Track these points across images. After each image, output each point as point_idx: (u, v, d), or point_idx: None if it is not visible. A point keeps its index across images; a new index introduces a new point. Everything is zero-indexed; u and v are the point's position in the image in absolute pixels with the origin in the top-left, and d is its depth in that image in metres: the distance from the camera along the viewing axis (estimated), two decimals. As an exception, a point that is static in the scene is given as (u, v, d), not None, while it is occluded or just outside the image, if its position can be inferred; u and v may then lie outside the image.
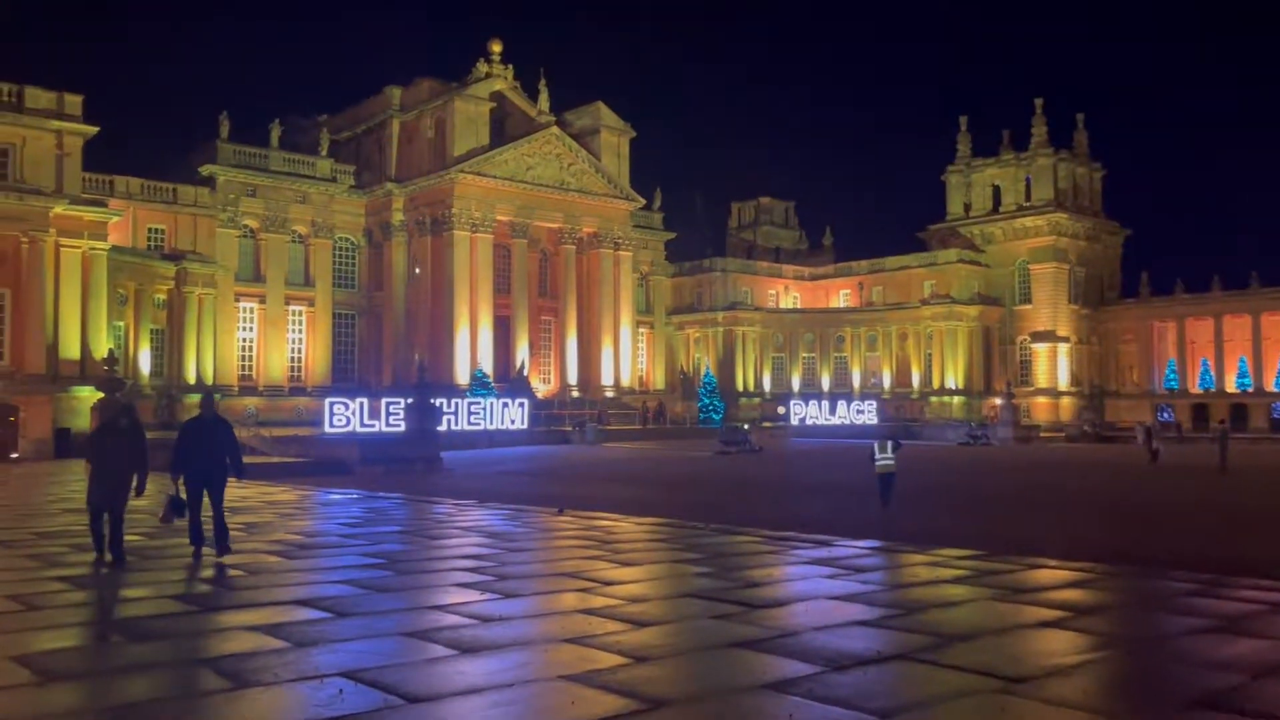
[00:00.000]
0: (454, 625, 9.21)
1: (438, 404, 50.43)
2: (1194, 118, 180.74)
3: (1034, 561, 13.33)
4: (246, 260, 69.36)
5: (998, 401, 77.04)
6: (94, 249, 49.29)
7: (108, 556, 12.93)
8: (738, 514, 20.35)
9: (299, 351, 71.95)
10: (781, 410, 77.26)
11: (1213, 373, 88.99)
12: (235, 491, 13.88)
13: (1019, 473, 37.37)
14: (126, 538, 13.43)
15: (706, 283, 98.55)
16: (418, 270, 73.25)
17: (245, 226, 69.16)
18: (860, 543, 15.19)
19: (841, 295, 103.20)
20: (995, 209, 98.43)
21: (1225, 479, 33.45)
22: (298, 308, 71.68)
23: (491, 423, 54.44)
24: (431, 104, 73.46)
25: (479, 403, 55.51)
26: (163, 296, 60.82)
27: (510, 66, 78.05)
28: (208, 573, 12.43)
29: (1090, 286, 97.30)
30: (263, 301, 69.76)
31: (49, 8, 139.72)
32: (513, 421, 55.68)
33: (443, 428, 49.54)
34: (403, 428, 46.28)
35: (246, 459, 14.22)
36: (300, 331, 71.97)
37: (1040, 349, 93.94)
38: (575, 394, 73.36)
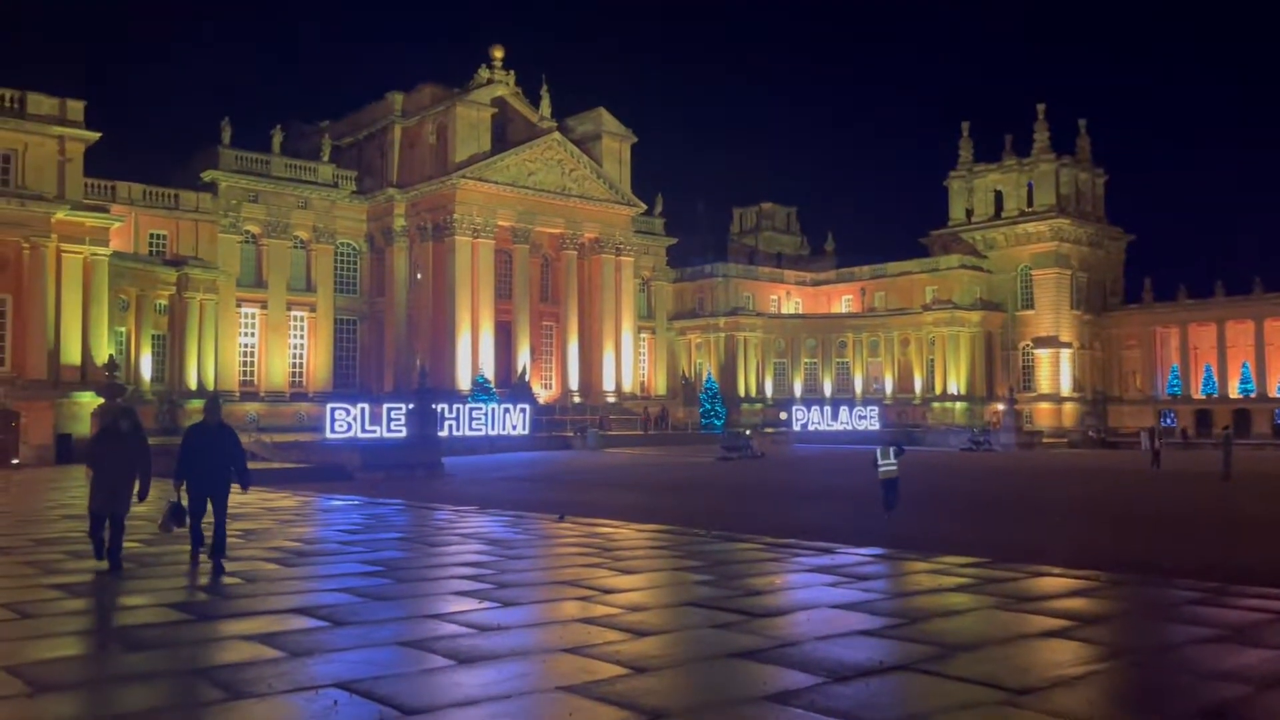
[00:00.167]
0: (452, 635, 9.13)
1: (439, 409, 50.39)
2: (1196, 123, 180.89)
3: (1037, 569, 13.25)
4: (248, 266, 69.36)
5: (1000, 407, 76.95)
6: (95, 255, 49.26)
7: (104, 563, 12.85)
8: (739, 521, 20.26)
9: (300, 357, 71.94)
10: (783, 416, 77.16)
11: (1216, 378, 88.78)
12: (235, 498, 13.74)
13: (1021, 479, 37.27)
14: (125, 545, 13.35)
15: (708, 288, 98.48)
16: (419, 276, 73.25)
17: (247, 232, 69.17)
18: (862, 550, 15.11)
19: (843, 301, 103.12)
20: (997, 214, 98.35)
21: (1229, 485, 33.32)
22: (299, 313, 71.69)
23: (493, 428, 54.37)
24: (433, 110, 73.50)
25: (480, 408, 55.45)
26: (164, 302, 60.79)
27: (512, 72, 78.09)
28: (205, 581, 12.35)
29: (1093, 292, 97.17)
30: (264, 307, 69.76)
31: (51, 14, 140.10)
32: (514, 427, 55.62)
33: (444, 433, 49.49)
34: (404, 433, 46.24)
35: (247, 464, 13.99)
36: (302, 337, 71.97)
37: (1043, 354, 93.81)
38: (577, 399, 73.29)
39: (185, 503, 13.19)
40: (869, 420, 73.91)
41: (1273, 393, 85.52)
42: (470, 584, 11.97)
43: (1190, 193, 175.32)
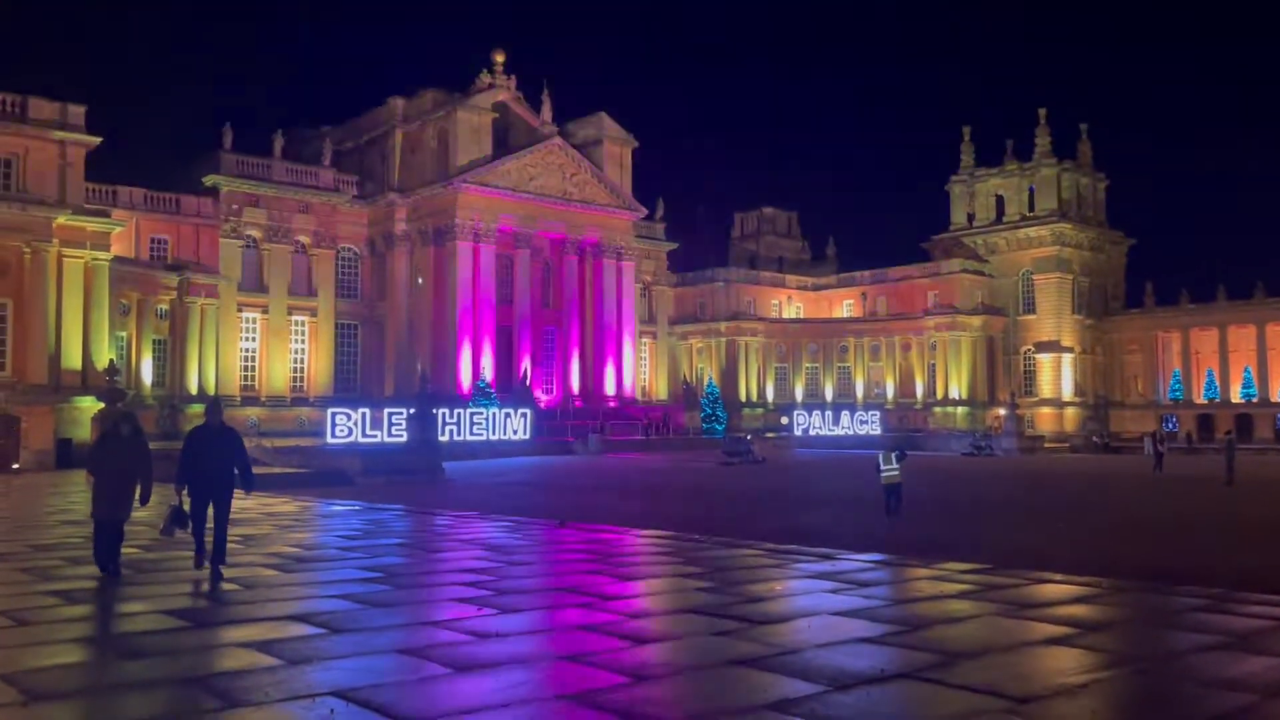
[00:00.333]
0: (450, 642, 9.08)
1: (440, 414, 50.34)
2: (1198, 127, 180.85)
3: (1039, 575, 13.18)
4: (249, 270, 69.34)
5: (1002, 412, 76.82)
6: (96, 259, 49.29)
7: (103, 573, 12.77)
8: (740, 526, 20.19)
9: (301, 362, 71.91)
10: (785, 420, 77.11)
11: (1218, 383, 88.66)
12: (236, 503, 13.61)
13: (1023, 484, 37.17)
14: (124, 550, 13.29)
15: (709, 293, 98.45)
16: (420, 280, 73.25)
17: (248, 236, 69.18)
18: (864, 556, 15.04)
19: (845, 305, 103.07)
20: (999, 219, 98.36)
21: (1232, 490, 33.23)
22: (300, 318, 71.66)
23: (494, 433, 54.34)
24: (434, 114, 73.54)
25: (481, 413, 55.42)
26: (165, 306, 60.81)
27: (513, 77, 78.16)
28: (203, 587, 12.29)
29: (1094, 296, 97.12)
30: (265, 311, 69.75)
31: (52, 18, 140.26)
32: (515, 432, 55.58)
33: (445, 438, 49.47)
34: (405, 438, 46.20)
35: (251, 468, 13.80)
36: (303, 341, 71.94)
37: (1044, 359, 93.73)
38: (578, 404, 73.25)
39: (187, 507, 13.08)
40: (870, 425, 73.86)
41: (1275, 397, 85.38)
42: (470, 590, 11.92)
43: (1192, 197, 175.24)
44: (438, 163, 72.60)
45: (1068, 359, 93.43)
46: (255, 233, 69.51)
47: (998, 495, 31.92)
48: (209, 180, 67.74)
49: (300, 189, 71.46)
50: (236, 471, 13.20)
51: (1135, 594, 12.19)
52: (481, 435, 53.44)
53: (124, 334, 55.93)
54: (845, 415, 75.33)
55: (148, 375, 58.10)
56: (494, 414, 55.60)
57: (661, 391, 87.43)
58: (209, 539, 12.97)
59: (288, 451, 45.42)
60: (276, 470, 39.14)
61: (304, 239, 71.84)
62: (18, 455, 44.37)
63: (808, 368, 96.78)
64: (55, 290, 47.33)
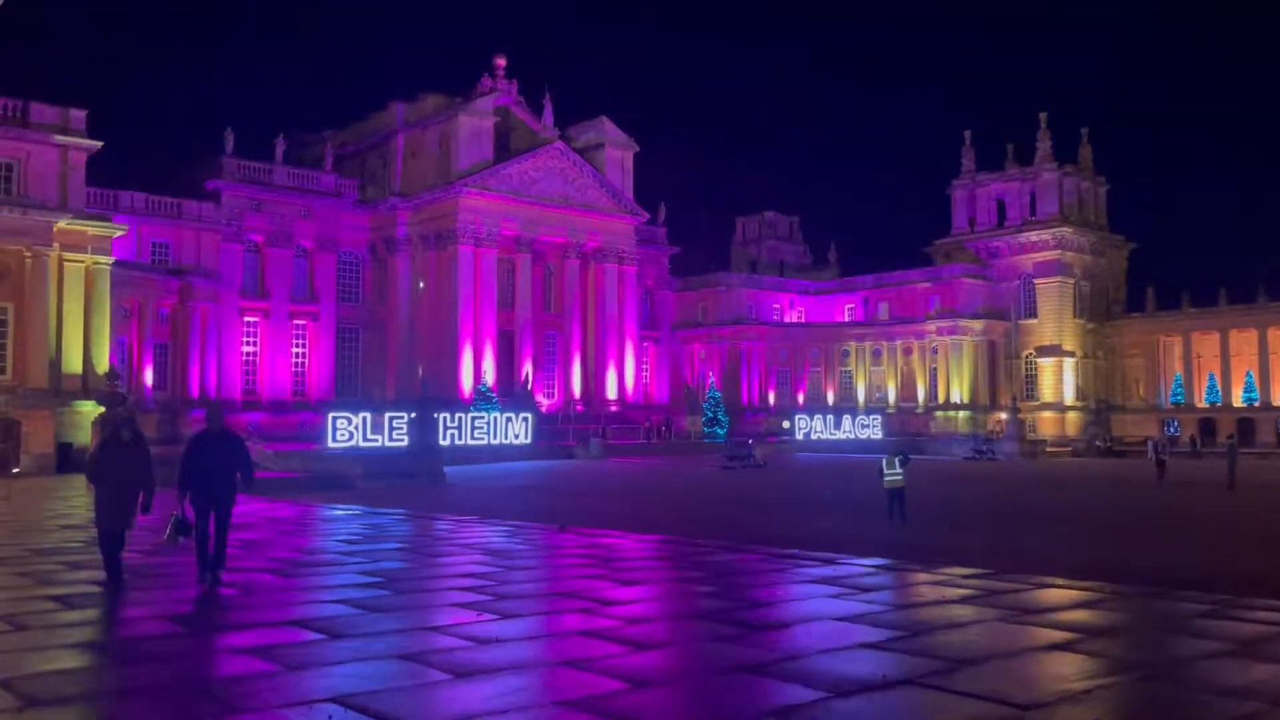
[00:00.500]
0: (450, 648, 9.02)
1: (441, 418, 50.27)
2: (1199, 131, 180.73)
3: (1042, 580, 13.12)
4: (250, 274, 69.39)
5: (1003, 416, 76.70)
6: (97, 263, 49.25)
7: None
8: (741, 531, 20.14)
9: (302, 366, 71.90)
10: (786, 425, 77.04)
11: (1219, 387, 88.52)
12: (236, 507, 13.47)
13: (1025, 488, 37.11)
14: (124, 555, 13.20)
15: (711, 297, 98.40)
16: (422, 284, 73.26)
17: (249, 241, 69.21)
18: (865, 560, 14.98)
19: (846, 310, 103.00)
20: (1000, 223, 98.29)
21: (1234, 495, 33.17)
22: (301, 322, 71.67)
23: (495, 437, 54.26)
24: (436, 119, 73.58)
25: (482, 417, 55.33)
26: (166, 311, 60.80)
27: (515, 81, 78.30)
28: (202, 593, 12.24)
29: (1096, 300, 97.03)
30: (266, 316, 69.75)
31: (54, 23, 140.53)
32: (516, 436, 55.50)
33: (446, 442, 49.36)
34: (406, 442, 46.08)
35: (253, 468, 13.57)
36: (304, 346, 71.94)
37: (1046, 363, 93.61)
38: (579, 408, 73.20)
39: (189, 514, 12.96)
40: (872, 429, 73.79)
41: (1277, 401, 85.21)
42: (470, 595, 11.85)
43: (1193, 201, 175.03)
44: (439, 167, 72.63)
45: (1069, 363, 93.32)
46: (257, 237, 69.55)
47: (999, 499, 31.86)
48: (211, 184, 67.79)
49: (302, 193, 71.51)
50: (239, 476, 12.97)
51: (1139, 599, 12.12)
52: (483, 439, 53.35)
53: (125, 338, 55.90)
54: (847, 419, 75.25)
55: (149, 379, 58.07)
56: (495, 418, 55.52)
57: (663, 396, 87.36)
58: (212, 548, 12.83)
59: (288, 455, 45.36)
60: (277, 474, 39.13)
61: (305, 243, 71.87)
62: (18, 459, 44.29)
63: (809, 372, 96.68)
64: (56, 294, 47.30)
